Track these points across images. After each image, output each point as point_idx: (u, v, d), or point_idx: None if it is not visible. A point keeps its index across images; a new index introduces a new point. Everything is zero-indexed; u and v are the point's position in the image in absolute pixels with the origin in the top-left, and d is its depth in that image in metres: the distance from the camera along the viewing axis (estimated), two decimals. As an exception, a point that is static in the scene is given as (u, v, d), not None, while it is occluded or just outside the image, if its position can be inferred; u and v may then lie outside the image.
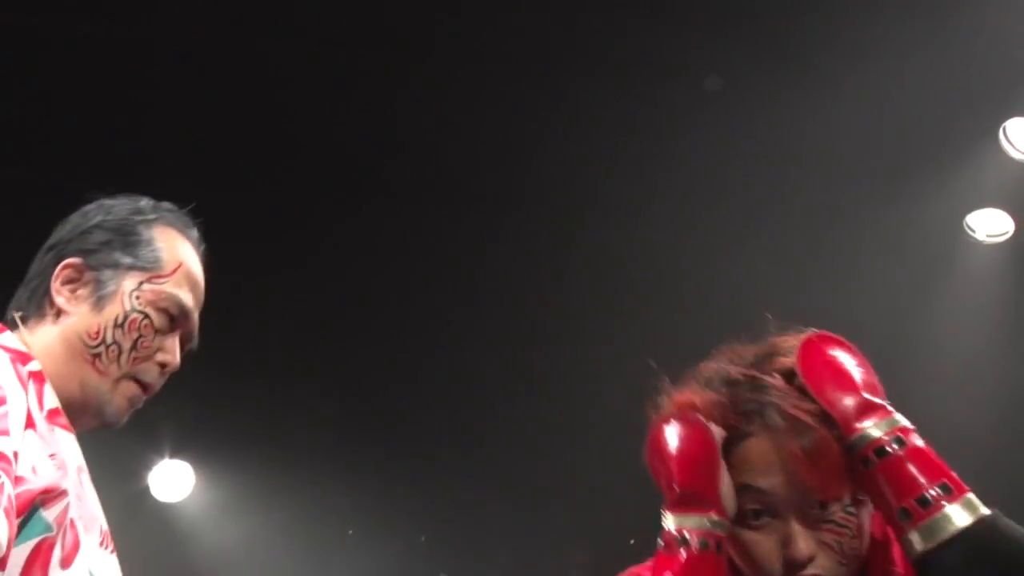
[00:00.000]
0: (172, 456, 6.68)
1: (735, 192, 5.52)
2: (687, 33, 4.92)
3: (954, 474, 1.63)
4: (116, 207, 1.99)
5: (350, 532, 7.38)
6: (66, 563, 1.73)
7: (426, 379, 6.55)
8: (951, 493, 1.60)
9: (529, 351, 6.28)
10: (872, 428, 1.64)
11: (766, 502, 1.69)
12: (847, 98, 5.02)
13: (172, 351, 1.96)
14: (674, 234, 5.54)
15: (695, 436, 1.70)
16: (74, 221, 1.99)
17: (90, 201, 2.00)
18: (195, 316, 2.00)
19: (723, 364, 1.79)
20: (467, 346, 6.29)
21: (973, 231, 5.54)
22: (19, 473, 1.65)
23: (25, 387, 1.75)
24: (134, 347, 1.90)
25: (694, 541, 1.65)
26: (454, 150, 5.42)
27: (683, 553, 1.65)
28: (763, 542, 1.70)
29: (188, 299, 1.98)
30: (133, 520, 6.27)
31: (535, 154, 5.41)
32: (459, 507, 7.21)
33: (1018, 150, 5.07)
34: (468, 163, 5.48)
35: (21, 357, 1.81)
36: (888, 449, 1.63)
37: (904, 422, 1.66)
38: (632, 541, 7.34)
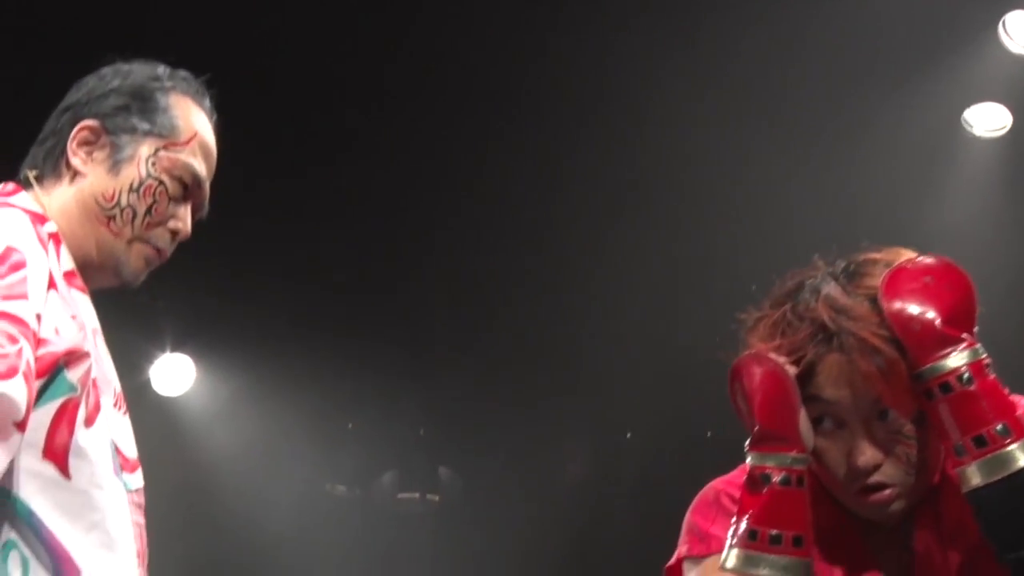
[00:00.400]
0: (173, 350, 6.72)
1: (735, 88, 5.51)
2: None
3: (1017, 415, 1.67)
4: (133, 72, 2.00)
5: (350, 426, 7.44)
6: (89, 422, 1.77)
7: (428, 274, 6.58)
8: (1010, 434, 1.65)
9: (531, 247, 6.29)
10: (942, 362, 1.68)
11: (830, 411, 1.76)
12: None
13: (184, 219, 1.98)
14: (674, 129, 5.53)
15: (772, 378, 1.75)
16: (90, 83, 1.99)
17: (106, 64, 2.01)
18: (207, 186, 2.02)
19: (808, 280, 1.82)
20: (469, 242, 6.31)
21: (971, 126, 5.54)
22: (42, 335, 1.68)
23: (46, 248, 1.77)
24: (148, 212, 1.93)
25: (776, 478, 1.73)
26: (458, 48, 5.40)
27: (767, 490, 1.73)
28: (831, 450, 1.77)
29: (202, 168, 2.00)
30: (133, 413, 6.29)
31: (536, 51, 5.39)
32: (458, 401, 7.26)
33: (1018, 44, 5.05)
34: (471, 61, 5.45)
35: (39, 218, 1.84)
36: (953, 385, 1.67)
37: (981, 356, 1.70)
38: (628, 435, 7.44)
